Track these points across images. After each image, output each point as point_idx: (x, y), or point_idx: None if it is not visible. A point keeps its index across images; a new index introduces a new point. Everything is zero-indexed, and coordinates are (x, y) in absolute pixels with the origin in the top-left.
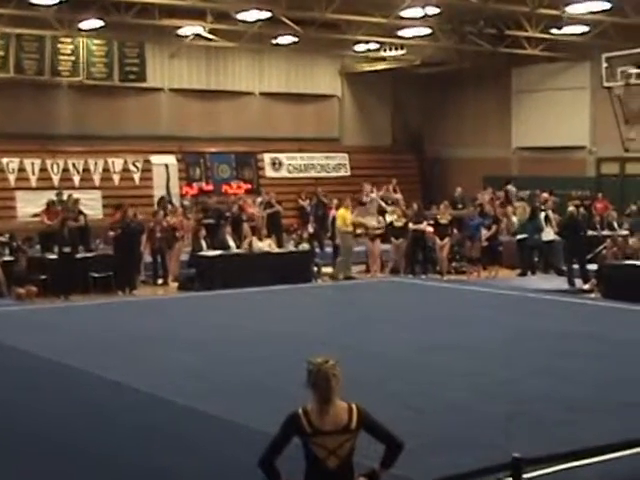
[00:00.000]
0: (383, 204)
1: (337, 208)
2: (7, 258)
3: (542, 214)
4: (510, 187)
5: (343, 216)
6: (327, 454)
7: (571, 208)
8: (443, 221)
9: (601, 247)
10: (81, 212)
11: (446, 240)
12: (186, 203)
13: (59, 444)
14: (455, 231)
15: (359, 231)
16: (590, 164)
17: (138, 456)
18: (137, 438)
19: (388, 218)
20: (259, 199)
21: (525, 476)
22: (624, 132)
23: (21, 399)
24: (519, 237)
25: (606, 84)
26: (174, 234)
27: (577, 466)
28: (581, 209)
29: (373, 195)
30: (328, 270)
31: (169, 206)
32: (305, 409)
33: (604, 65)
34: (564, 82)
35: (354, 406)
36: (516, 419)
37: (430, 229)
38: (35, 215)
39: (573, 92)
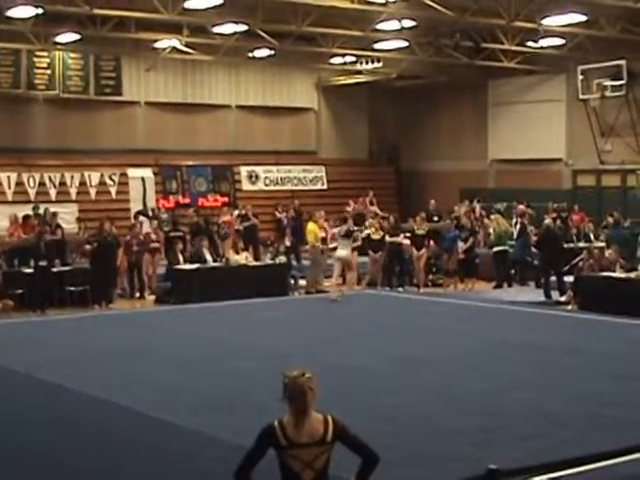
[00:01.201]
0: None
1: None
2: None
3: (518, 226)
4: (475, 204)
5: (312, 230)
6: (303, 467)
7: (548, 220)
8: (420, 232)
9: (578, 259)
10: (59, 225)
11: (423, 251)
12: (164, 216)
13: (35, 457)
14: (432, 243)
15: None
16: (566, 176)
17: (113, 469)
18: (112, 451)
19: (365, 231)
20: (235, 212)
21: None
22: (600, 144)
23: None
24: (496, 249)
25: (582, 96)
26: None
27: (552, 478)
28: (558, 221)
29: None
30: (305, 283)
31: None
32: (280, 422)
33: (580, 77)
34: (540, 94)
35: (330, 418)
36: (492, 431)
37: (407, 242)
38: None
39: (549, 104)
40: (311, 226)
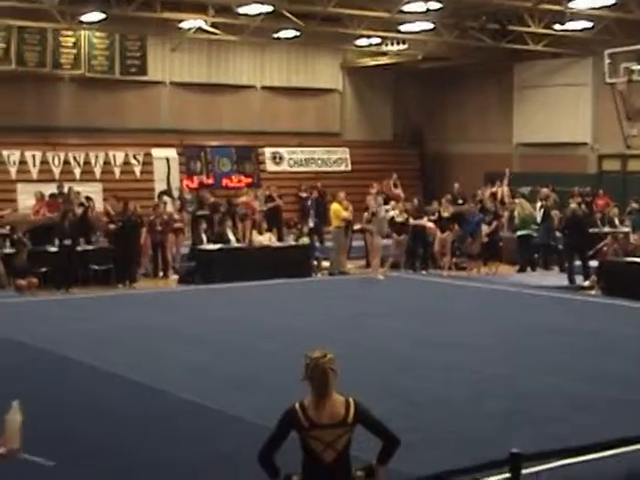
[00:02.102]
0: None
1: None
2: (8, 250)
3: (542, 210)
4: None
5: (335, 211)
6: (324, 447)
7: (573, 205)
8: (445, 214)
9: (602, 244)
10: (83, 204)
11: (447, 234)
12: (187, 197)
13: (58, 435)
14: (456, 227)
15: (358, 226)
16: (592, 161)
17: (136, 448)
18: (136, 430)
19: (389, 213)
20: (259, 192)
21: (524, 472)
22: (626, 129)
23: (21, 390)
24: (520, 233)
25: (608, 80)
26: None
27: (576, 462)
28: (582, 206)
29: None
30: (328, 265)
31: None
32: (302, 403)
33: (607, 61)
34: (566, 78)
35: (351, 400)
36: (515, 415)
37: (430, 224)
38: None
39: (575, 88)
40: (335, 207)
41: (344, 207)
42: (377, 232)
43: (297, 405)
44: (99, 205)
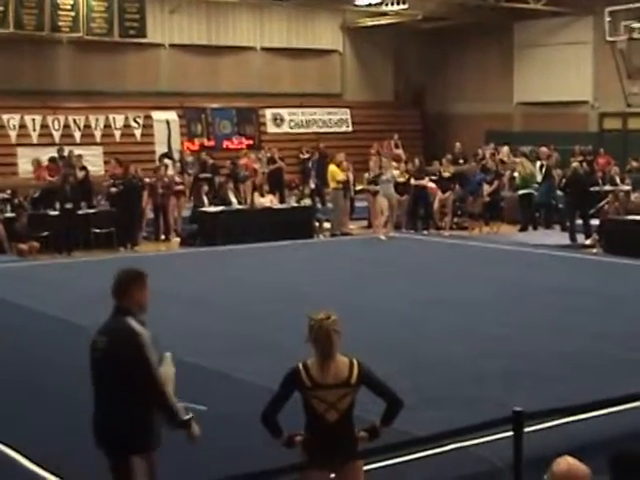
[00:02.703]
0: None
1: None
2: (9, 215)
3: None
4: (504, 148)
5: (333, 172)
6: (327, 407)
7: (575, 164)
8: (446, 174)
9: (603, 202)
10: (84, 167)
11: (448, 194)
12: (188, 159)
13: (65, 398)
14: (457, 186)
15: (360, 187)
16: (592, 119)
17: None
18: None
19: (394, 173)
20: (260, 154)
21: (526, 430)
22: (627, 87)
23: (25, 355)
24: (521, 192)
25: (609, 38)
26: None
27: (578, 420)
28: (584, 164)
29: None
30: (329, 226)
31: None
32: (305, 363)
33: (607, 19)
34: (567, 37)
35: (355, 361)
36: (516, 374)
37: (432, 185)
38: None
39: (576, 47)
40: (332, 168)
41: (341, 169)
42: (382, 194)
43: (300, 365)
44: (98, 169)
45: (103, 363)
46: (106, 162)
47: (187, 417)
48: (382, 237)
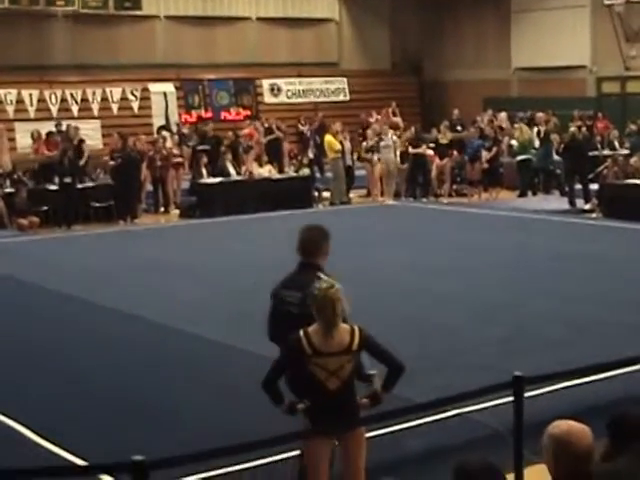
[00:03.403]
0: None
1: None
2: (8, 190)
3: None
4: (502, 114)
5: (330, 142)
6: (327, 375)
7: (573, 128)
8: (444, 141)
9: (602, 167)
10: (82, 140)
11: (446, 160)
12: (185, 131)
13: (66, 372)
14: (455, 153)
15: (360, 155)
16: (590, 83)
17: (141, 381)
18: (140, 364)
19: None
20: (257, 125)
21: (527, 395)
22: (625, 50)
23: (26, 330)
24: (519, 158)
25: (607, 2)
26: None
27: (578, 384)
28: (583, 129)
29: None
30: (328, 195)
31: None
32: (306, 331)
33: None
34: (564, 1)
35: (356, 328)
36: (517, 340)
37: (430, 152)
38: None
39: (573, 10)
40: (328, 138)
41: (338, 139)
42: (382, 160)
43: (301, 333)
44: (96, 142)
45: (297, 317)
46: (104, 135)
47: (372, 372)
48: (389, 202)
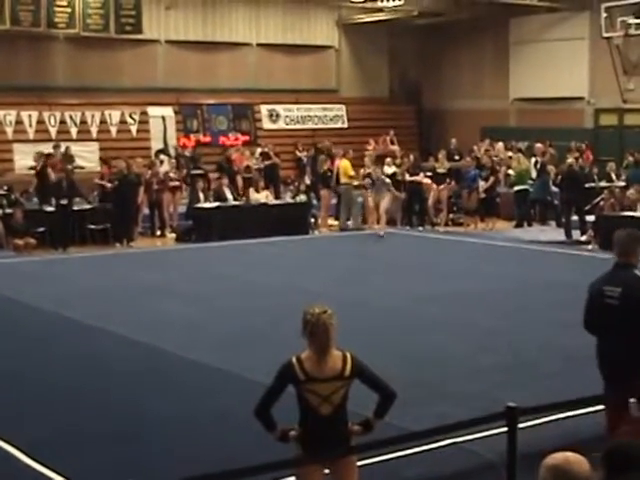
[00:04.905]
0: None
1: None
2: (6, 210)
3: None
4: (499, 144)
5: (345, 167)
6: (320, 401)
7: (570, 160)
8: (441, 170)
9: (599, 198)
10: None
11: (443, 186)
12: (187, 154)
13: (59, 391)
14: (452, 182)
15: (356, 182)
16: (588, 115)
17: (134, 405)
18: (133, 387)
19: (389, 170)
20: (258, 151)
21: (520, 426)
22: (623, 83)
23: (20, 348)
24: (516, 188)
25: (605, 34)
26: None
27: (573, 415)
28: (580, 160)
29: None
30: (333, 222)
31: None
32: (298, 357)
33: (603, 15)
34: (563, 33)
35: (348, 355)
36: (512, 370)
37: (427, 180)
38: (32, 168)
39: (572, 43)
40: (344, 163)
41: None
42: (372, 194)
43: (294, 359)
44: (94, 164)
45: (620, 309)
46: (102, 158)
47: None
48: (381, 233)
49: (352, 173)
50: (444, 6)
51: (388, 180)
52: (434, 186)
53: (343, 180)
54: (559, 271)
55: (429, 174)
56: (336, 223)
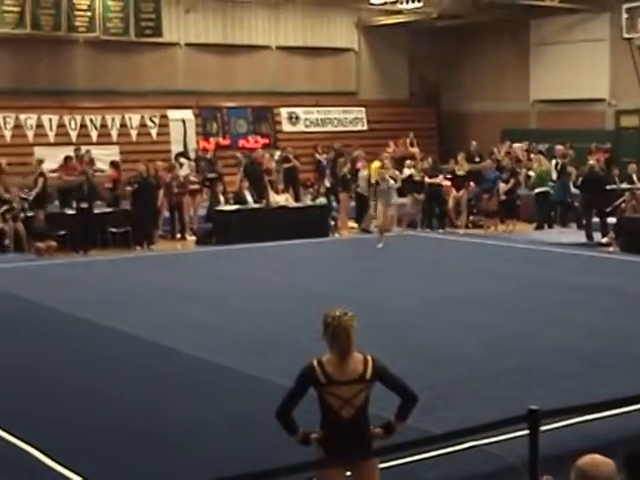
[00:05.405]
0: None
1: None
2: (27, 213)
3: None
4: (515, 145)
5: (376, 169)
6: (342, 404)
7: (591, 161)
8: (460, 173)
9: (620, 200)
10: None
11: (462, 192)
12: (209, 156)
13: (77, 392)
14: (472, 185)
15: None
16: (609, 117)
17: (152, 406)
18: (152, 390)
19: (407, 172)
20: (277, 153)
21: (542, 428)
22: None
23: (40, 351)
24: (537, 190)
25: (626, 35)
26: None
27: (594, 419)
28: (601, 162)
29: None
30: (353, 225)
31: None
32: (319, 360)
33: (624, 16)
34: (583, 34)
35: (369, 357)
36: (532, 372)
37: (446, 182)
38: (53, 171)
39: (592, 44)
40: (376, 164)
41: (385, 167)
42: (382, 204)
43: (315, 362)
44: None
45: None
46: (123, 162)
47: None
48: (379, 245)
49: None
50: (464, 8)
51: (394, 184)
52: (454, 190)
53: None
54: (580, 273)
55: (449, 176)
56: (356, 226)
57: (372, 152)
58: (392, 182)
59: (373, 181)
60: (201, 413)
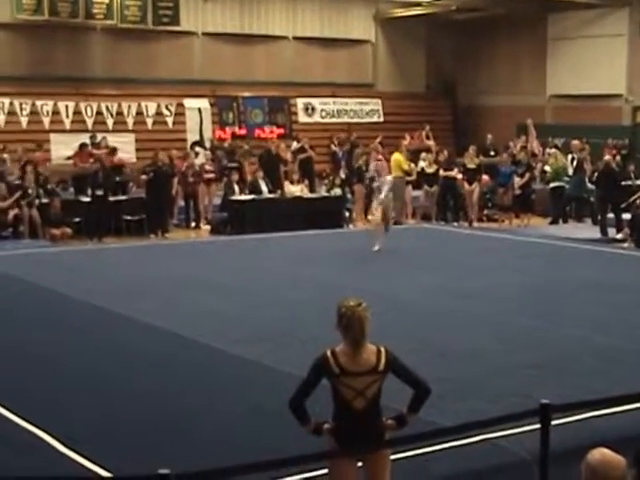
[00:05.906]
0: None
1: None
2: (42, 200)
3: (574, 162)
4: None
5: (396, 160)
6: (355, 395)
7: (607, 157)
8: (471, 166)
9: (635, 196)
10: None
11: (474, 185)
12: (226, 145)
13: (93, 380)
14: (487, 178)
15: (410, 178)
16: (626, 112)
17: (168, 395)
18: (167, 379)
19: (420, 164)
20: (294, 144)
21: (554, 423)
22: None
23: (54, 338)
24: (552, 185)
25: None
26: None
27: (606, 414)
28: (617, 158)
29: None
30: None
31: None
32: (333, 351)
33: None
34: (601, 29)
35: (382, 349)
36: (545, 367)
37: (461, 176)
38: (68, 158)
39: (610, 39)
40: (396, 156)
41: (407, 158)
42: (377, 202)
43: (329, 352)
44: (130, 156)
45: None
46: (138, 150)
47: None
48: (375, 247)
49: (406, 167)
50: (482, 1)
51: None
52: (465, 184)
53: (395, 173)
54: (594, 269)
55: (461, 170)
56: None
57: (388, 144)
58: (388, 178)
59: (395, 173)
60: (215, 401)
